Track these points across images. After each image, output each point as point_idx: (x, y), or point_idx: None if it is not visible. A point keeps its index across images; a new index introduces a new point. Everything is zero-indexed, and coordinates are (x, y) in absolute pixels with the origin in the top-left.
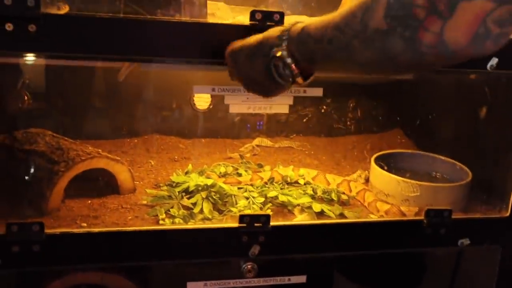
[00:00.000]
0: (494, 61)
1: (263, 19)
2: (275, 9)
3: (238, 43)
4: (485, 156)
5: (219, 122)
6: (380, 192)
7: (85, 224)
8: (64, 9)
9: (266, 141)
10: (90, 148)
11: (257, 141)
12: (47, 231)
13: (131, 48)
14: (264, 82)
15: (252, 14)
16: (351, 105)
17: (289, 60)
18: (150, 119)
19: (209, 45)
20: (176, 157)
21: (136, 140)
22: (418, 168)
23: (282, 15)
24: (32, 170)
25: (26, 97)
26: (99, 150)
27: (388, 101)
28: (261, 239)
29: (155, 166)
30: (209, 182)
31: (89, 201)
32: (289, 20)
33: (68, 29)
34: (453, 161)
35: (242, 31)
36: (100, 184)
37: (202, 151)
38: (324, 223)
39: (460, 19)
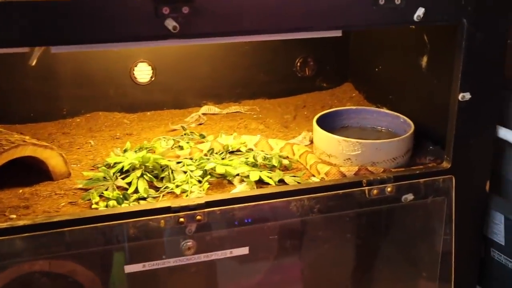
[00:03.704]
0: (420, 11)
1: None
2: None
3: None
4: (428, 106)
5: (163, 94)
6: (323, 153)
7: (14, 216)
8: None
9: (213, 108)
10: (15, 136)
11: (204, 109)
12: None
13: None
14: None
15: None
16: (299, 63)
17: None
18: (91, 96)
19: (113, 24)
20: (118, 134)
21: (78, 120)
22: (364, 123)
23: None
24: None
25: None
26: (26, 137)
27: (336, 56)
28: (198, 217)
29: (95, 146)
30: (144, 158)
31: (21, 190)
32: None
33: None
34: (396, 114)
35: (150, 4)
36: (32, 172)
37: (145, 126)
38: (259, 194)
39: None
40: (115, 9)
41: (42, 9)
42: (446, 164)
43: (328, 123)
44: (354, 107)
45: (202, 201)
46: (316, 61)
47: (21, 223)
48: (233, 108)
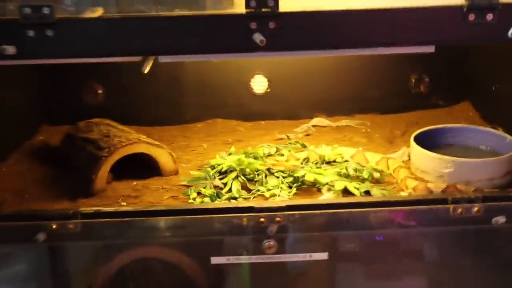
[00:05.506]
0: None
1: (258, 6)
2: None
3: None
4: None
5: (277, 105)
6: (418, 169)
7: (124, 203)
8: (99, 12)
9: (324, 121)
10: (134, 134)
11: (314, 121)
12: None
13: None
14: None
15: (247, 2)
16: (413, 79)
17: None
18: (212, 104)
19: (209, 38)
20: (229, 140)
21: (199, 125)
22: (468, 142)
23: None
24: (84, 156)
25: (98, 91)
26: (142, 136)
27: (453, 73)
28: (278, 219)
29: (207, 149)
30: (240, 161)
31: (134, 183)
32: None
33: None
34: (504, 134)
35: (240, 20)
36: (146, 168)
37: (256, 134)
38: (338, 202)
39: None
40: (213, 24)
41: (157, 24)
42: None
43: (432, 141)
44: (458, 126)
45: (283, 204)
46: (431, 78)
47: (123, 208)
48: (344, 121)
